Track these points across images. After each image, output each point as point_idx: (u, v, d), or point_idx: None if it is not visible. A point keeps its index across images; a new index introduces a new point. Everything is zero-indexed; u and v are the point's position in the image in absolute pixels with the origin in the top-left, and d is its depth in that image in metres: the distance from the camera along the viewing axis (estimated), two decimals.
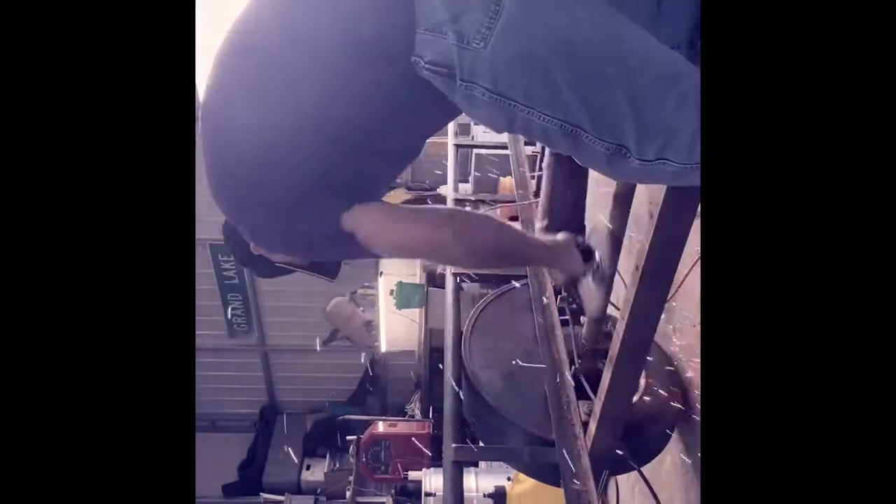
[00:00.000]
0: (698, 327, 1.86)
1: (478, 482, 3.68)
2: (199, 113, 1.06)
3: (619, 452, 1.52)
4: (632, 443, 1.56)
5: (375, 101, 1.00)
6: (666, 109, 0.95)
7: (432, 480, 3.90)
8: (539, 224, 1.77)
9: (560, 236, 1.43)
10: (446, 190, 3.07)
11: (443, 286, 2.51)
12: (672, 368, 1.95)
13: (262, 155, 1.04)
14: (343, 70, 0.99)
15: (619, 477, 2.26)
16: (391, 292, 6.34)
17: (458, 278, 2.38)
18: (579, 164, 1.08)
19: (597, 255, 1.45)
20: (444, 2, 0.92)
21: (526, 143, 2.72)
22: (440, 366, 1.98)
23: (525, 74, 0.93)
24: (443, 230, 1.11)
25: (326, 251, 1.17)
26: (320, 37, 0.99)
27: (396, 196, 6.13)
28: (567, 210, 1.70)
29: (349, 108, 1.00)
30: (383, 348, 7.06)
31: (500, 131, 1.06)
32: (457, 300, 2.28)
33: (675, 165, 0.99)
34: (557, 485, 1.57)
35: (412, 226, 1.12)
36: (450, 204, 2.81)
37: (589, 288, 1.54)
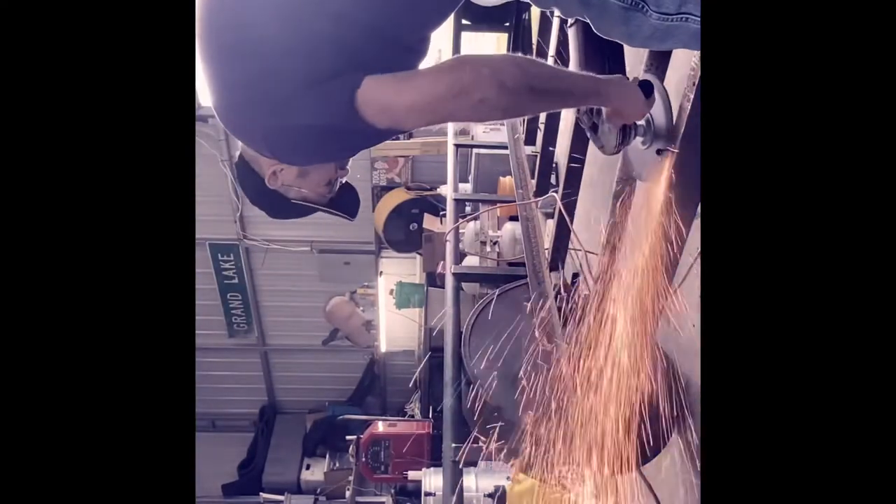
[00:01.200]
0: (698, 327, 1.86)
1: (478, 482, 3.67)
2: (199, 14, 0.98)
3: None
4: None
5: None
6: None
7: (432, 480, 3.90)
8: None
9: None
10: (446, 190, 3.07)
11: (442, 286, 2.51)
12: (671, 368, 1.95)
13: (268, 43, 0.96)
14: None
15: (618, 476, 2.26)
16: (391, 292, 6.35)
17: (458, 278, 2.38)
18: (595, 31, 0.97)
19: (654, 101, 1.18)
20: None
21: (525, 143, 2.72)
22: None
23: None
24: (460, 72, 0.96)
25: (341, 146, 1.06)
26: None
27: (396, 195, 6.13)
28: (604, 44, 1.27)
29: None
30: (383, 348, 7.07)
31: None
32: (457, 300, 2.28)
33: (696, 24, 0.89)
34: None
35: (424, 80, 0.98)
36: (449, 203, 2.81)
37: (637, 149, 1.29)
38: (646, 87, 1.12)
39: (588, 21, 0.95)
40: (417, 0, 1.01)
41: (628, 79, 1.15)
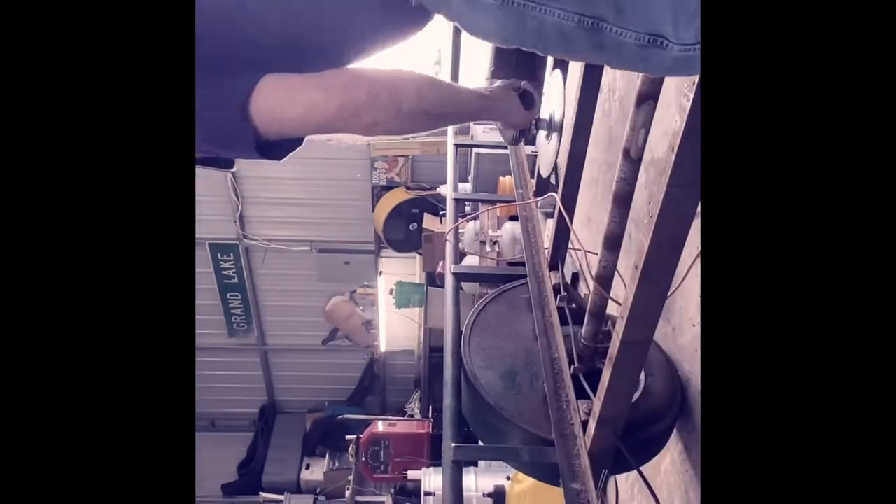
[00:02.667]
0: (698, 327, 1.86)
1: (477, 482, 3.68)
2: None
3: (619, 451, 1.52)
4: (631, 442, 1.56)
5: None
6: None
7: (431, 480, 3.90)
8: (486, 73, 1.52)
9: (498, 83, 1.26)
10: (446, 189, 3.07)
11: (442, 286, 2.51)
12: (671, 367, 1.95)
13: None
14: None
15: (618, 476, 2.27)
16: (390, 292, 6.35)
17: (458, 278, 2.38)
18: (610, 67, 0.94)
19: (543, 107, 1.31)
20: None
21: (525, 143, 2.72)
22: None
23: None
24: (357, 92, 0.92)
25: (227, 145, 0.97)
26: None
27: (396, 195, 6.14)
28: (516, 52, 1.37)
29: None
30: (383, 348, 7.07)
31: (507, 43, 0.90)
32: (456, 300, 2.28)
33: None
34: (557, 484, 1.57)
35: (319, 96, 0.93)
36: (449, 203, 2.81)
37: (542, 142, 1.45)
38: (527, 100, 1.21)
39: (603, 63, 0.92)
40: (358, 29, 0.96)
41: (524, 87, 1.22)
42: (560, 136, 1.40)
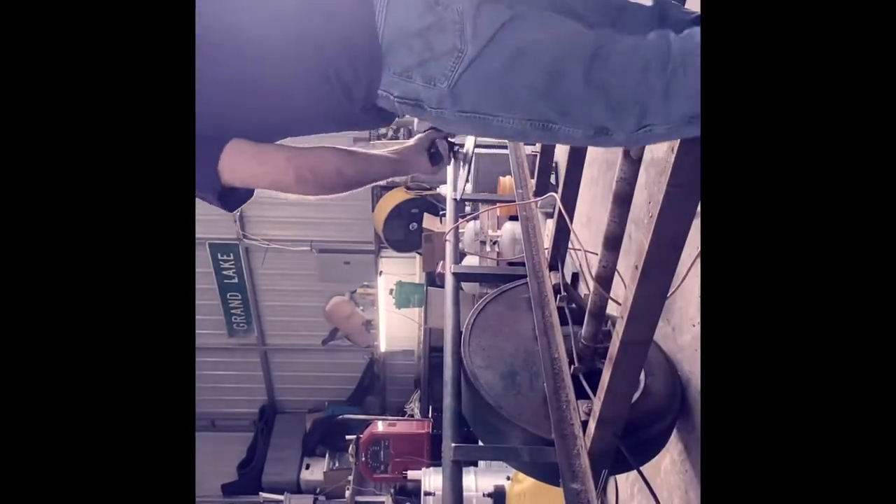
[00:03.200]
0: (698, 327, 1.86)
1: (477, 482, 3.67)
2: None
3: (619, 451, 1.52)
4: (631, 442, 1.56)
5: (299, 101, 1.09)
6: (630, 82, 1.00)
7: (431, 480, 3.90)
8: None
9: (411, 141, 1.39)
10: (446, 189, 3.07)
11: (442, 286, 2.51)
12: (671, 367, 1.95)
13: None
14: (287, 74, 1.07)
15: (618, 476, 2.27)
16: (390, 291, 6.35)
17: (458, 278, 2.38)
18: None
19: (446, 149, 1.38)
20: (412, 50, 1.02)
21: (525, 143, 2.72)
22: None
23: (490, 95, 1.04)
24: (285, 176, 1.14)
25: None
26: (278, 47, 1.06)
27: (396, 195, 6.14)
28: None
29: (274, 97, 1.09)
30: (383, 348, 7.07)
31: (477, 136, 1.19)
32: (456, 300, 2.28)
33: (661, 128, 1.03)
34: (557, 484, 1.57)
35: (258, 168, 1.15)
36: (449, 203, 2.81)
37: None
38: (434, 157, 1.36)
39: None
40: (327, 125, 1.15)
41: (437, 143, 1.37)
42: (468, 167, 1.68)
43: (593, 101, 1.02)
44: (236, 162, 1.11)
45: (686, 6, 1.37)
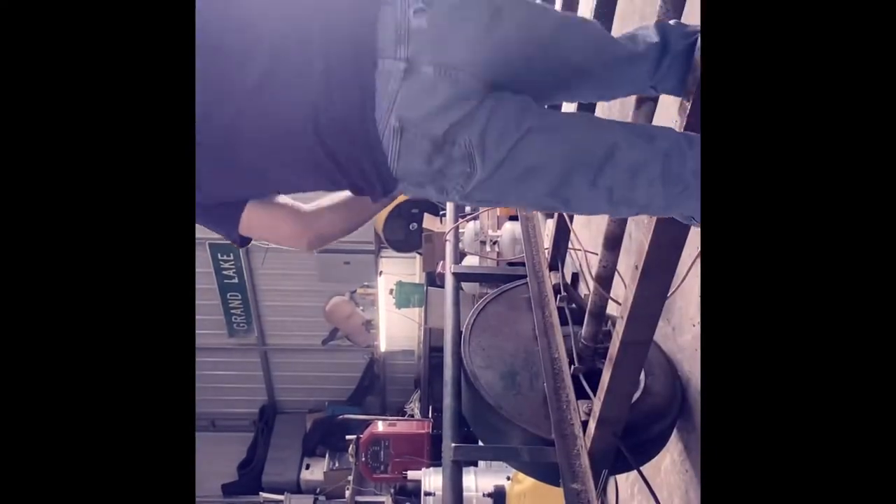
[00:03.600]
0: (698, 327, 1.86)
1: (477, 482, 3.67)
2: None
3: (619, 451, 1.52)
4: (631, 442, 1.56)
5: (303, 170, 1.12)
6: (635, 193, 1.08)
7: (431, 480, 3.90)
8: None
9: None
10: None
11: (442, 286, 2.51)
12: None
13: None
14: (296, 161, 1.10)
15: (618, 476, 2.27)
16: (391, 291, 6.34)
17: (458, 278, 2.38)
18: None
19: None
20: (424, 169, 1.04)
21: None
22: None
23: (501, 196, 1.12)
24: (298, 243, 1.24)
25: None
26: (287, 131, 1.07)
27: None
28: None
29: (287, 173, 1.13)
30: (383, 348, 7.07)
31: None
32: (456, 300, 2.28)
33: (657, 213, 1.16)
34: (557, 484, 1.57)
35: (272, 237, 1.27)
36: (449, 203, 2.81)
37: None
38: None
39: None
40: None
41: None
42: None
43: (597, 199, 1.10)
44: (253, 229, 1.21)
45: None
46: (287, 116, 1.03)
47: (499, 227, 4.05)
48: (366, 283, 6.92)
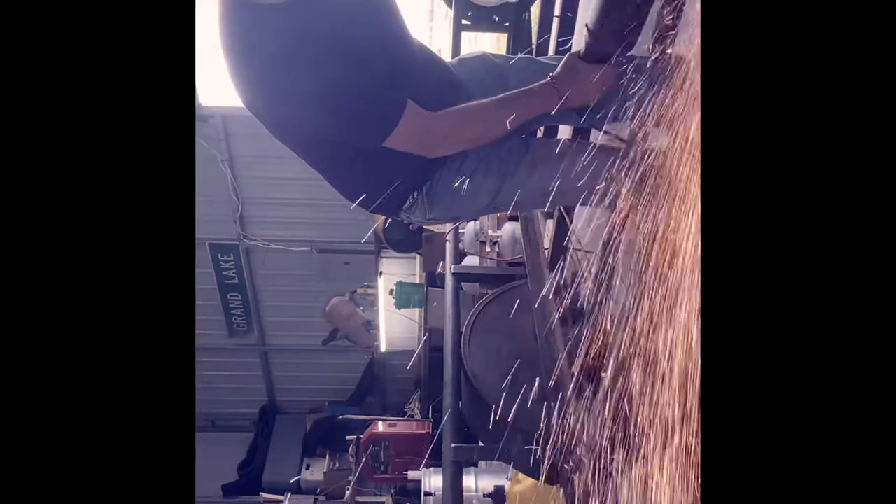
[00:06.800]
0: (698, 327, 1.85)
1: (477, 482, 3.67)
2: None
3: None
4: None
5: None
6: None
7: (431, 480, 3.90)
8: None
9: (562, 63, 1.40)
10: None
11: (442, 286, 2.51)
12: None
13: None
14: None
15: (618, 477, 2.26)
16: (391, 292, 6.34)
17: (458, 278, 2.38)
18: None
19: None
20: (397, 205, 1.46)
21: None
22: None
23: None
24: (453, 140, 1.38)
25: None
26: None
27: None
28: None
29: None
30: (383, 348, 7.06)
31: None
32: (456, 300, 2.28)
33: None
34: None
35: (440, 135, 1.38)
36: None
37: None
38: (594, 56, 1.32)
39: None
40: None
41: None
42: None
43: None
44: (413, 123, 1.28)
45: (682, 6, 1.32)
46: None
47: (499, 227, 4.05)
48: (366, 284, 6.91)
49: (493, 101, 1.36)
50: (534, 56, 1.82)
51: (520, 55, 1.59)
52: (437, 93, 1.37)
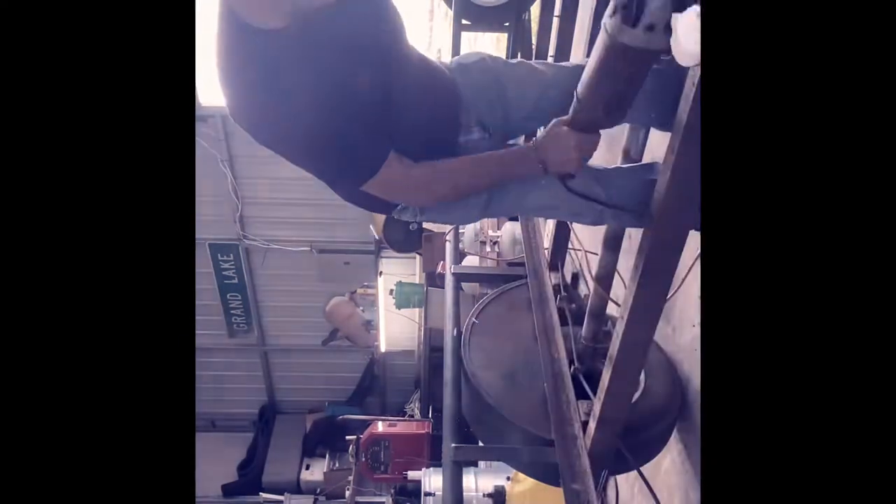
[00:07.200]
0: (698, 327, 1.86)
1: (477, 482, 3.67)
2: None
3: (619, 451, 1.52)
4: (631, 442, 1.56)
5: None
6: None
7: (432, 480, 3.90)
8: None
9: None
10: None
11: (442, 286, 2.51)
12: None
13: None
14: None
15: (618, 477, 2.26)
16: (390, 292, 6.34)
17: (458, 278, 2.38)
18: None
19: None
20: (390, 206, 1.40)
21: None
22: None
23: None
24: (443, 193, 1.36)
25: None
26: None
27: None
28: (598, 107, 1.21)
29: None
30: (383, 348, 7.07)
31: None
32: (456, 300, 2.28)
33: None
34: (557, 484, 1.57)
35: (409, 193, 1.37)
36: None
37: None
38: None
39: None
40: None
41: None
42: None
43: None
44: (391, 174, 1.26)
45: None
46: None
47: (499, 228, 4.05)
48: (366, 284, 6.91)
49: (473, 162, 1.34)
50: (533, 60, 1.82)
51: (520, 59, 1.56)
52: (426, 130, 1.35)
